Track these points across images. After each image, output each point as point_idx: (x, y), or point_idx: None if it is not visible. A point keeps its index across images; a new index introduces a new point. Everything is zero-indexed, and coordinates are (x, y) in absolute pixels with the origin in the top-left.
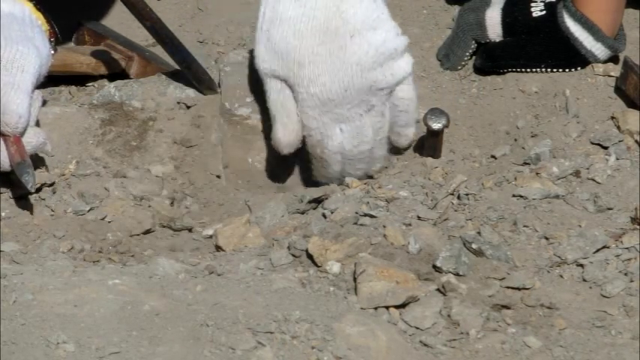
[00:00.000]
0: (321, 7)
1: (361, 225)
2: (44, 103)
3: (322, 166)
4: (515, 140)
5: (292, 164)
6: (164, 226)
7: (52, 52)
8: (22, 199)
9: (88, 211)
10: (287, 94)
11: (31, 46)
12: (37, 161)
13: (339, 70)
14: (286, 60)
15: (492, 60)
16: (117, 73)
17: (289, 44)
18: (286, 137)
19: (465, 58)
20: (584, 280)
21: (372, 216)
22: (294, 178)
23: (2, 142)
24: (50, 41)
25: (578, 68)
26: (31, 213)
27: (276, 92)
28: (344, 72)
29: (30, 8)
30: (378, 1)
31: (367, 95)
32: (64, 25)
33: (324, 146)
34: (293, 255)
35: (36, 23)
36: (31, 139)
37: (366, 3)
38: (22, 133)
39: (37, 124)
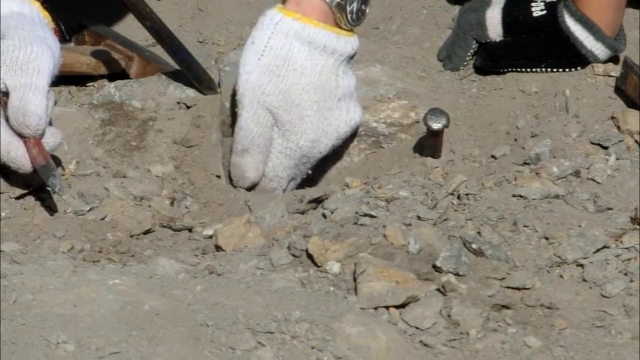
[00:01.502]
0: (326, 66)
1: (361, 225)
2: (55, 102)
3: (238, 186)
4: (515, 140)
5: None
6: (164, 226)
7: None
8: (22, 199)
9: (88, 211)
10: (271, 135)
11: (44, 46)
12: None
13: (323, 131)
14: (291, 107)
15: (493, 60)
16: (117, 73)
17: (297, 94)
18: (255, 178)
19: (467, 58)
20: (584, 280)
21: (372, 216)
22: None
23: (22, 144)
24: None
25: (579, 68)
26: (31, 213)
27: (261, 126)
28: (326, 134)
29: (38, 7)
30: (350, 70)
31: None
32: (64, 25)
33: (270, 192)
34: (293, 255)
35: (44, 22)
36: (49, 140)
37: (349, 71)
38: (42, 135)
39: (50, 123)
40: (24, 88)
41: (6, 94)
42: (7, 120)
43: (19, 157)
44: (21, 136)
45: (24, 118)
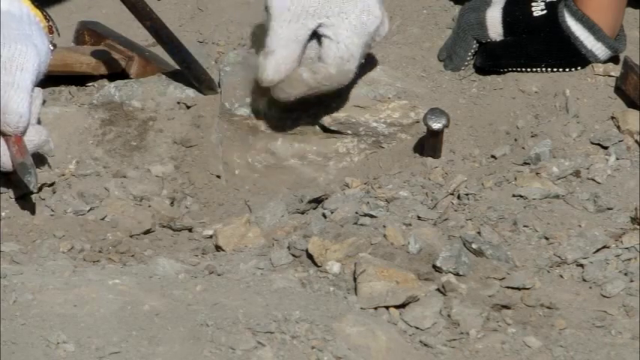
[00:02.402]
0: None
1: (361, 225)
2: (44, 101)
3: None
4: (515, 140)
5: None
6: (164, 226)
7: (52, 48)
8: (22, 199)
9: (88, 211)
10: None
11: (29, 44)
12: (38, 160)
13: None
14: None
15: (493, 59)
16: (117, 73)
17: None
18: (273, 77)
19: (468, 58)
20: (584, 280)
21: (372, 216)
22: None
23: (3, 142)
24: (49, 38)
25: (579, 68)
26: (31, 213)
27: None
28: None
29: (28, 6)
30: None
31: None
32: (64, 25)
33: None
34: (293, 255)
35: (34, 20)
36: (33, 138)
37: None
38: (24, 133)
39: (39, 122)
40: (6, 86)
41: None
42: None
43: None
44: (3, 134)
45: (4, 116)
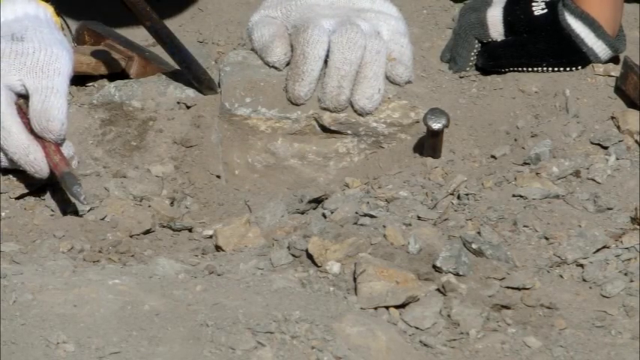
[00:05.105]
0: None
1: (361, 225)
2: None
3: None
4: (515, 140)
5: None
6: (164, 226)
7: None
8: (22, 199)
9: (88, 211)
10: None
11: (62, 48)
12: None
13: None
14: None
15: (494, 59)
16: (117, 73)
17: None
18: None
19: (472, 59)
20: (584, 280)
21: (372, 216)
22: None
23: (41, 148)
24: None
25: (579, 67)
26: (31, 213)
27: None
28: None
29: (51, 12)
30: None
31: None
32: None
33: None
34: (293, 255)
35: (57, 26)
36: (63, 151)
37: None
38: (64, 140)
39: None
40: (46, 91)
41: (24, 96)
42: (23, 121)
43: (38, 161)
44: (38, 138)
45: (47, 123)
